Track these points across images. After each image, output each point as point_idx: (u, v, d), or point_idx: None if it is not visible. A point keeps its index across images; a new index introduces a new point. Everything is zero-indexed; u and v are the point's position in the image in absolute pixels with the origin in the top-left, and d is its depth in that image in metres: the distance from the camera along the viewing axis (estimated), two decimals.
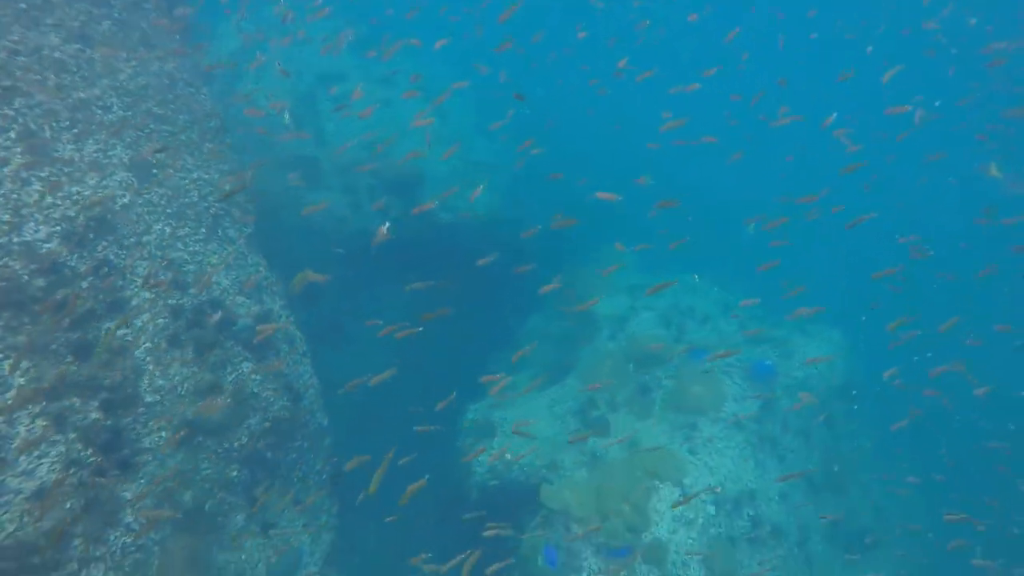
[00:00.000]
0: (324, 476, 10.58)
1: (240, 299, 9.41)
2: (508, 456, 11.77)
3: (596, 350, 14.09)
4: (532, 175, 16.62)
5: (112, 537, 7.00)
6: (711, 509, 10.57)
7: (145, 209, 8.63)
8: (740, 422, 12.28)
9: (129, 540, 7.12)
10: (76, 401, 6.97)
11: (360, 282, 15.61)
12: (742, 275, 16.82)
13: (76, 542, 6.74)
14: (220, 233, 9.61)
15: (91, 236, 7.80)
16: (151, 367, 7.72)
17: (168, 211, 8.86)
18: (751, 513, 11.22)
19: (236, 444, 8.58)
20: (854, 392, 15.11)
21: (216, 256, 9.36)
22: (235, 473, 8.61)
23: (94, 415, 7.06)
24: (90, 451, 6.82)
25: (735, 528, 10.90)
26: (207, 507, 8.30)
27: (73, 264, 7.49)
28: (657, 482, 10.29)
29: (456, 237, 15.65)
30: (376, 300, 15.90)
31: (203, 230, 9.33)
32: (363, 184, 14.74)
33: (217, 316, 8.69)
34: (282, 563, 9.14)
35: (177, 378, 7.96)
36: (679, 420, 12.25)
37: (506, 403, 13.39)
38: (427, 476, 11.62)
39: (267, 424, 9.14)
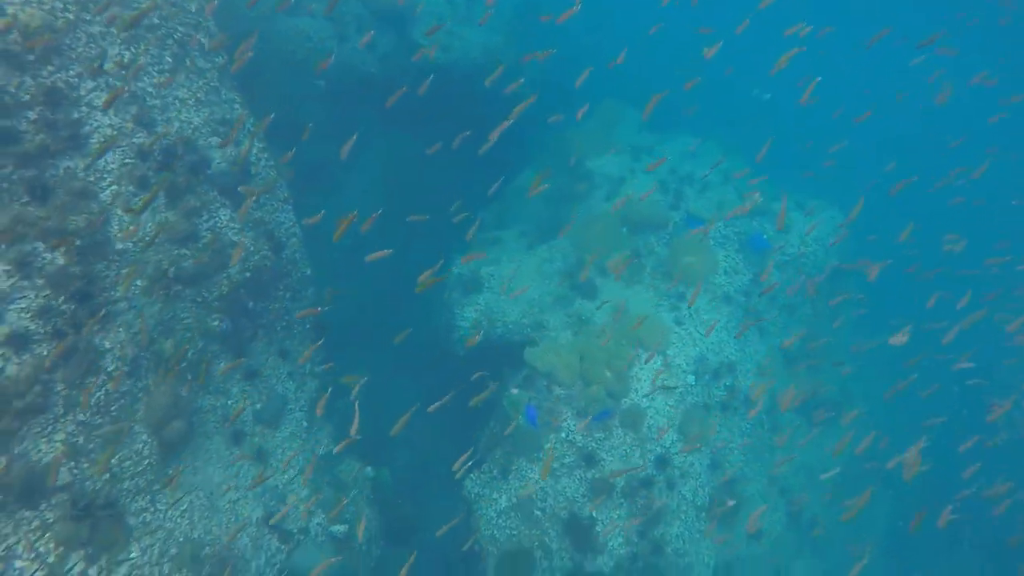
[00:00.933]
0: (308, 326, 10.49)
1: (214, 140, 8.68)
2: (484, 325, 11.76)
3: (590, 210, 13.66)
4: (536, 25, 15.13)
5: (95, 384, 6.90)
6: (690, 379, 10.77)
7: (97, 30, 7.61)
8: (729, 295, 12.24)
9: (112, 387, 7.04)
10: (39, 246, 6.52)
11: (345, 123, 14.64)
12: (750, 145, 16.06)
13: (58, 387, 6.63)
14: (188, 63, 8.64)
15: (31, 59, 6.90)
16: (120, 212, 7.19)
17: (123, 34, 7.83)
18: (728, 383, 11.50)
19: (216, 294, 8.31)
20: (842, 270, 15.07)
21: (184, 89, 8.49)
22: (217, 323, 8.42)
23: (61, 260, 6.65)
24: (62, 299, 6.50)
25: (711, 397, 11.21)
26: (189, 355, 8.20)
27: (14, 92, 6.68)
28: (641, 350, 10.36)
29: (449, 78, 14.50)
30: (362, 144, 15.02)
31: (168, 58, 8.36)
32: (350, 12, 13.30)
33: (189, 158, 8.03)
34: (267, 409, 9.27)
35: (149, 225, 7.48)
36: (668, 288, 12.17)
37: (495, 258, 13.15)
38: (410, 328, 11.66)
39: (247, 274, 8.82)
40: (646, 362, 10.36)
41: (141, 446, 7.29)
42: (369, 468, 11.03)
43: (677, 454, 10.31)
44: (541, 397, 9.77)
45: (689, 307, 11.71)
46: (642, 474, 9.93)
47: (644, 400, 10.00)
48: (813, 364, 13.94)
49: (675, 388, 10.39)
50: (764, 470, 12.35)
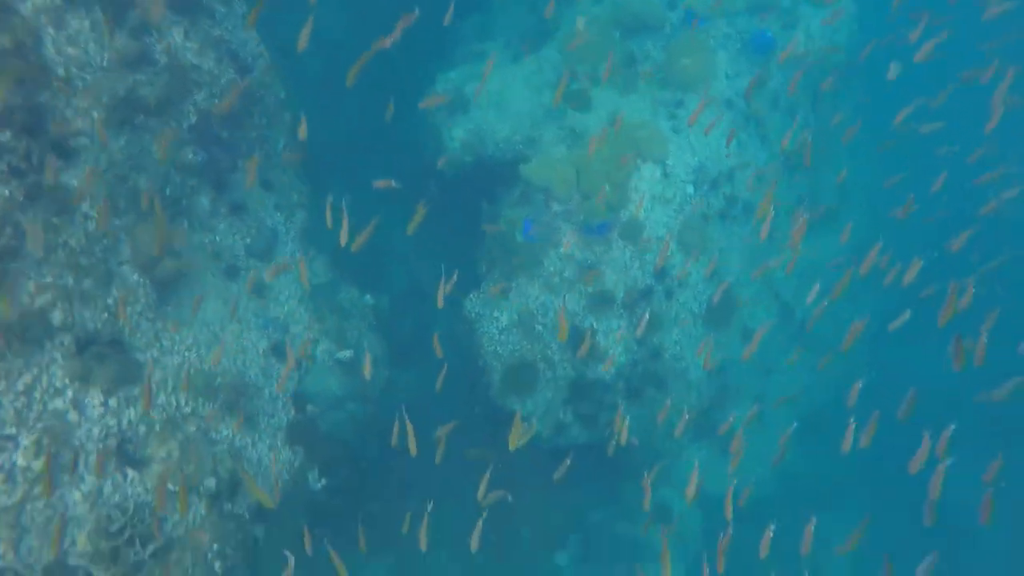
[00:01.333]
0: (290, 153, 9.97)
1: None
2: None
3: (579, 14, 12.48)
4: None
5: (70, 225, 6.59)
6: (689, 189, 10.50)
7: None
8: (730, 100, 11.58)
9: (92, 227, 6.75)
10: None
11: None
12: None
13: (33, 228, 6.32)
14: None
15: None
16: (51, 30, 6.41)
17: None
18: (727, 192, 11.25)
19: (185, 124, 7.72)
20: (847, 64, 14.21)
21: None
22: (191, 155, 7.93)
23: None
24: (8, 135, 5.97)
25: (710, 207, 11.01)
26: (167, 192, 7.81)
27: None
28: (639, 161, 9.97)
29: None
30: None
31: None
32: None
33: None
34: (258, 242, 9.06)
35: (91, 46, 6.72)
36: (665, 96, 11.47)
37: (479, 74, 12.25)
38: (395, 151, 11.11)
39: (215, 100, 8.15)
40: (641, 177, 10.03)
41: (135, 286, 7.16)
42: (368, 296, 11.10)
43: (676, 265, 10.34)
44: (539, 213, 9.55)
45: (689, 125, 11.06)
46: (641, 285, 10.02)
47: (642, 212, 9.81)
48: (811, 168, 13.64)
49: (674, 199, 10.15)
50: (761, 276, 12.52)
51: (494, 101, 11.84)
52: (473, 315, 10.37)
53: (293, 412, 8.47)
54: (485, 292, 10.35)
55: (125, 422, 6.52)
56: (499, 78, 12.17)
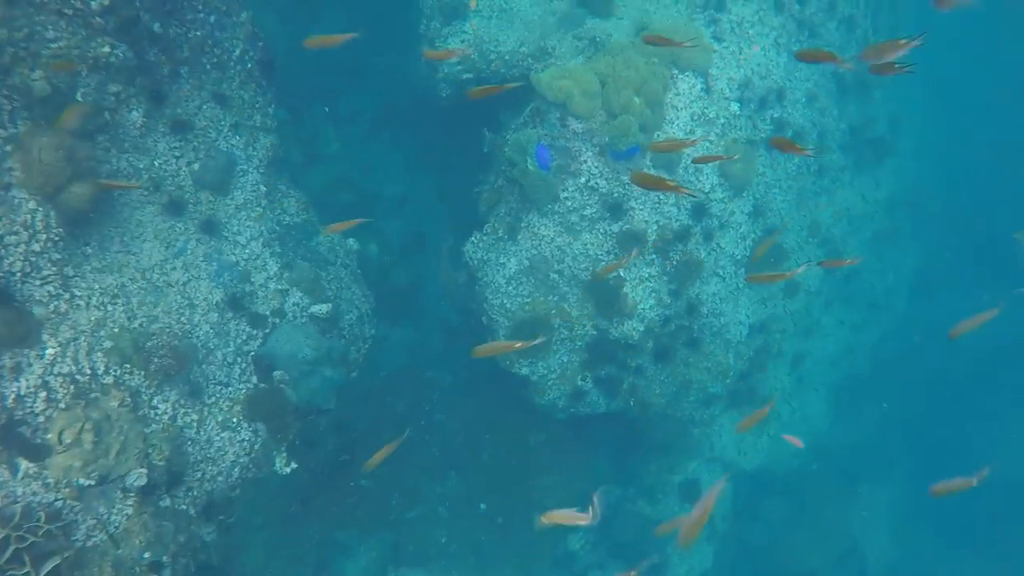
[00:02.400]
0: (251, 64, 8.11)
1: None
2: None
3: None
4: None
5: None
6: (735, 107, 8.68)
7: None
8: (780, 3, 9.64)
9: None
10: None
11: None
12: None
13: None
14: None
15: None
16: None
17: None
18: (775, 115, 9.43)
19: (94, 5, 5.87)
20: None
21: None
22: (107, 49, 6.10)
23: None
24: None
25: (756, 132, 9.21)
26: (79, 96, 6.02)
27: None
28: (676, 71, 8.13)
29: None
30: None
31: None
32: None
33: None
34: (210, 169, 7.30)
35: None
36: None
37: None
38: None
39: None
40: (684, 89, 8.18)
41: (29, 217, 5.44)
42: (352, 240, 9.39)
43: (717, 200, 8.59)
44: (554, 134, 7.76)
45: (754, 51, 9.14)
46: (676, 224, 8.29)
47: (682, 134, 8.01)
48: (863, 92, 11.79)
49: (717, 119, 8.35)
50: (807, 218, 10.81)
51: (497, 5, 9.90)
52: (475, 262, 8.67)
53: (255, 380, 6.86)
54: (489, 234, 8.63)
55: (12, 397, 4.90)
56: None
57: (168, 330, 6.19)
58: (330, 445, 9.57)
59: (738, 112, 8.71)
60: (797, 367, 11.97)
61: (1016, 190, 17.00)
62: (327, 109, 12.24)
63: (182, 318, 6.31)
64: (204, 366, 6.29)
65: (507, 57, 9.58)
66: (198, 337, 6.38)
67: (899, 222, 13.72)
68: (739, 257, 9.16)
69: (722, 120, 8.50)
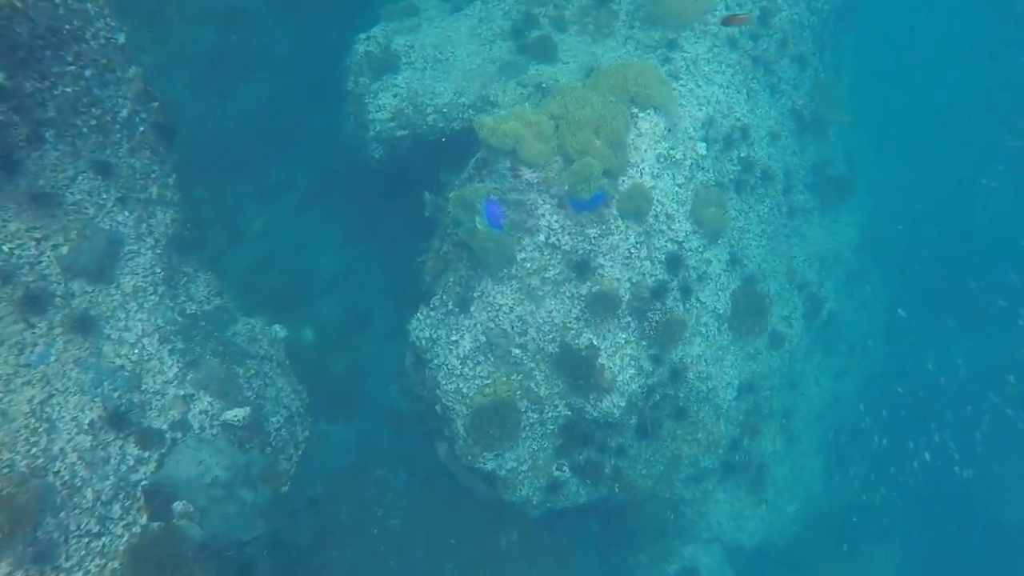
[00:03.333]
0: (143, 128, 6.86)
1: None
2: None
3: None
4: None
5: None
6: (701, 147, 7.84)
7: None
8: (734, 39, 9.04)
9: None
10: None
11: None
12: None
13: None
14: None
15: None
16: None
17: None
18: (742, 155, 8.65)
19: None
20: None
21: None
22: None
23: None
24: None
25: (724, 172, 8.39)
26: None
27: None
28: (636, 109, 7.25)
29: None
30: None
31: None
32: None
33: None
34: (84, 251, 5.92)
35: None
36: (653, 37, 8.86)
37: (412, 25, 9.45)
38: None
39: None
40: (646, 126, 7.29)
41: None
42: (278, 326, 8.00)
43: (692, 250, 7.61)
44: (504, 187, 6.69)
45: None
46: (651, 281, 7.23)
47: (649, 177, 7.06)
48: (819, 129, 11.28)
49: (683, 161, 7.47)
50: (783, 263, 9.98)
51: (432, 57, 9.03)
52: (422, 341, 7.39)
53: (144, 520, 5.30)
54: (438, 308, 7.39)
55: None
56: (437, 31, 9.38)
57: (15, 469, 4.65)
58: (266, 572, 7.91)
59: (705, 153, 7.86)
60: (786, 424, 10.90)
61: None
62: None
63: (33, 449, 4.78)
64: (64, 514, 4.73)
65: (445, 110, 8.63)
66: (57, 474, 4.84)
67: (866, 263, 13.12)
68: (721, 311, 8.14)
69: (689, 161, 7.61)
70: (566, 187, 6.57)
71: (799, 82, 10.47)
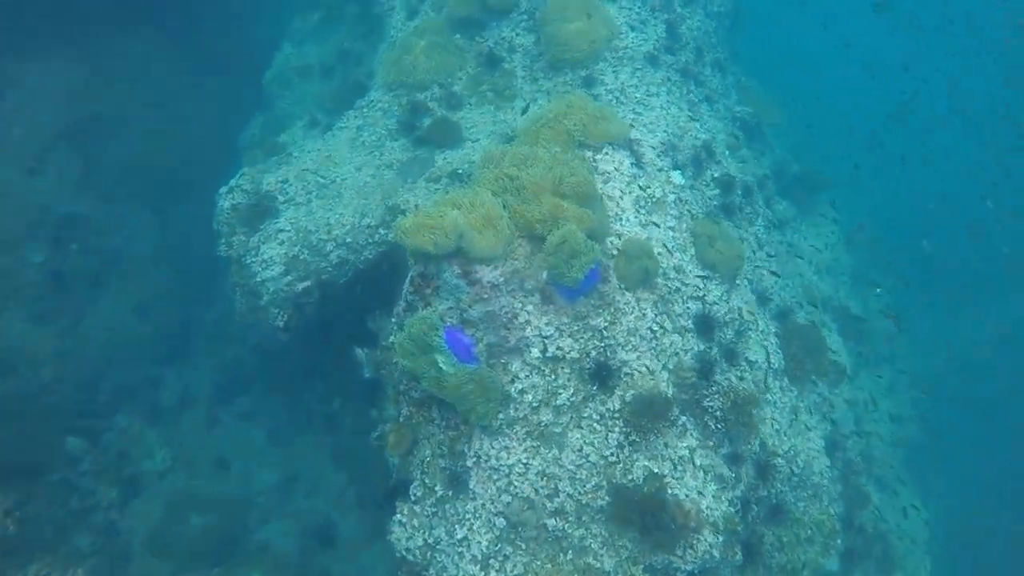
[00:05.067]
0: None
1: None
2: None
3: (397, 35, 8.44)
4: None
5: None
6: (677, 177, 6.19)
7: None
8: (652, 55, 7.71)
9: None
10: None
11: None
12: None
13: None
14: None
15: None
16: None
17: None
18: (715, 175, 7.09)
19: None
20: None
21: None
22: None
23: None
24: None
25: (706, 199, 6.76)
26: None
27: None
28: (589, 153, 5.55)
29: None
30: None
31: None
32: None
33: None
34: None
35: None
36: (564, 81, 7.43)
37: (280, 160, 7.69)
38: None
39: None
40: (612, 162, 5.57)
41: None
42: None
43: (718, 302, 5.76)
44: (461, 302, 4.69)
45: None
46: (691, 360, 5.28)
47: (638, 228, 5.26)
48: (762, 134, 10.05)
49: (666, 199, 5.77)
50: (797, 283, 8.31)
51: (315, 185, 7.22)
52: (416, 555, 5.05)
53: None
54: (422, 498, 5.12)
55: None
56: (312, 155, 7.64)
57: None
58: None
59: (682, 182, 6.21)
60: (875, 471, 8.86)
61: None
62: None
63: None
64: None
65: (349, 240, 6.72)
66: None
67: (861, 258, 11.74)
68: (775, 365, 6.23)
69: (671, 197, 5.91)
70: (545, 274, 4.65)
71: (726, 89, 9.28)
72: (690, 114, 7.36)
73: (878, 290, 11.15)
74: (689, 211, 6.16)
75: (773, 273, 7.18)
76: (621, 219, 5.29)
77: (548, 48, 7.55)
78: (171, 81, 10.65)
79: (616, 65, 7.41)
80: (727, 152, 7.77)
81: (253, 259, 6.77)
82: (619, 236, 5.17)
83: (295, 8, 10.57)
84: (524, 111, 6.93)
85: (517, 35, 7.99)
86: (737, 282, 6.29)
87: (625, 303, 4.98)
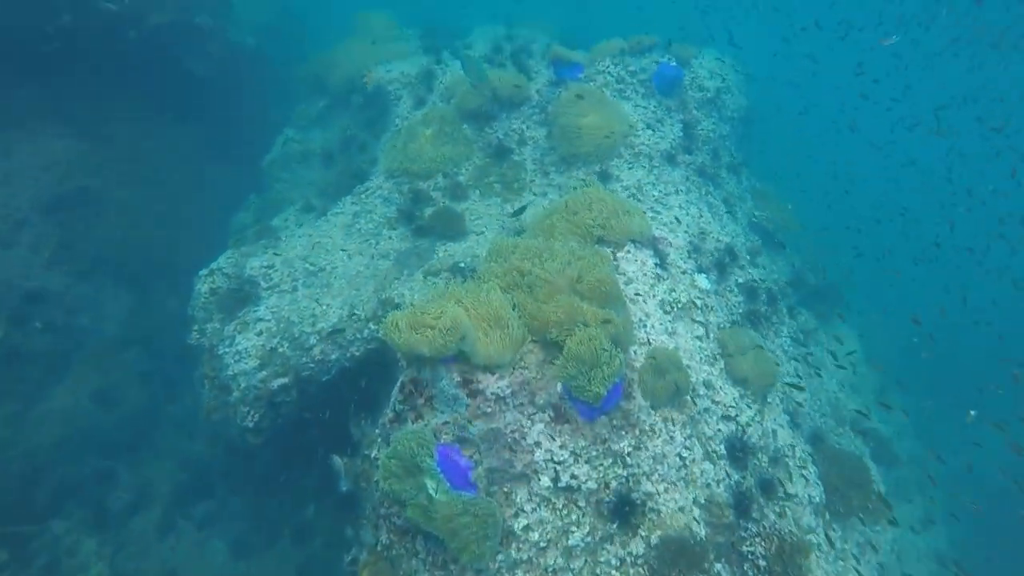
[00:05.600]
0: None
1: None
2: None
3: (403, 123, 8.12)
4: None
5: None
6: (702, 281, 5.61)
7: None
8: (669, 154, 7.36)
9: None
10: None
11: None
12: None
13: None
14: None
15: None
16: None
17: None
18: (740, 280, 6.54)
19: None
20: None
21: None
22: None
23: None
24: None
25: (732, 307, 6.16)
26: None
27: None
28: (610, 250, 4.99)
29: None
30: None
31: None
32: None
33: None
34: None
35: None
36: (578, 176, 7.01)
37: (269, 243, 7.13)
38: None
39: None
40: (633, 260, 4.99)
41: None
42: None
43: (751, 422, 5.03)
44: (460, 417, 3.94)
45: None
46: (723, 489, 4.48)
47: (665, 336, 4.61)
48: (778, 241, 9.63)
49: (693, 304, 5.16)
50: (825, 400, 7.57)
51: (303, 271, 6.61)
52: None
53: None
54: None
55: None
56: (303, 240, 7.09)
57: None
58: None
59: (707, 286, 5.62)
60: None
61: None
62: None
63: None
64: None
65: (337, 336, 6.04)
66: None
67: (884, 374, 11.08)
68: (816, 498, 5.40)
69: (699, 303, 5.31)
70: (559, 386, 3.95)
71: (742, 193, 8.94)
72: (711, 215, 6.90)
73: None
74: (715, 319, 5.54)
75: (797, 387, 6.48)
76: (646, 325, 4.65)
77: (560, 142, 7.20)
78: (167, 161, 10.31)
79: (632, 162, 7.03)
80: (749, 257, 7.28)
81: (227, 349, 6.04)
82: (644, 344, 4.50)
83: (300, 95, 10.41)
84: (518, 212, 6.40)
85: (528, 127, 7.68)
86: (769, 400, 5.58)
87: (652, 424, 4.24)
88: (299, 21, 13.74)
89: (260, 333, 6.09)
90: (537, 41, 9.73)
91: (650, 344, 4.52)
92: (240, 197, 10.27)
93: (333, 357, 6.04)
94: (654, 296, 4.87)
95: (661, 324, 4.76)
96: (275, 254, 6.82)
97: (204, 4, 9.65)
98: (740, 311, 6.30)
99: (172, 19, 8.89)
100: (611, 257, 4.89)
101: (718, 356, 5.23)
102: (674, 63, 8.06)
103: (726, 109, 9.22)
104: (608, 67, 7.88)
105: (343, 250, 6.75)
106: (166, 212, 9.60)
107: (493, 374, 3.94)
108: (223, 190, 10.51)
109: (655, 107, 7.79)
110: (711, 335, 5.34)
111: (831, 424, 7.29)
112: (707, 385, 4.84)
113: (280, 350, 6.02)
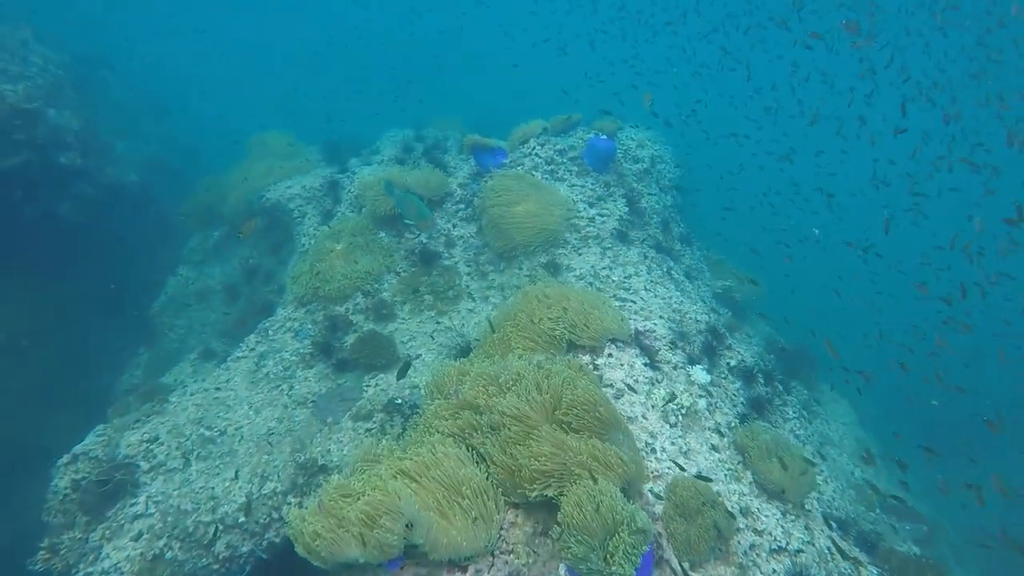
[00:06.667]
0: None
1: None
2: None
3: (309, 241, 6.98)
4: None
5: None
6: (699, 375, 4.53)
7: None
8: (621, 232, 6.46)
9: None
10: None
11: None
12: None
13: None
14: None
15: None
16: None
17: None
18: (732, 363, 5.52)
19: None
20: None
21: None
22: None
23: None
24: None
25: (733, 396, 5.08)
26: None
27: None
28: (589, 358, 3.86)
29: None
30: None
31: None
32: None
33: None
34: None
35: None
36: (522, 273, 5.98)
37: (151, 409, 5.64)
38: None
39: None
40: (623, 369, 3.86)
41: None
42: None
43: (802, 545, 3.82)
44: None
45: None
46: None
47: (680, 457, 3.43)
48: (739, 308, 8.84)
49: (697, 407, 4.06)
50: (844, 485, 6.45)
51: (196, 440, 5.15)
52: None
53: None
54: None
55: None
56: (196, 398, 5.65)
57: None
58: None
59: (706, 379, 4.54)
60: None
61: None
62: None
63: None
64: None
65: (242, 520, 4.56)
66: None
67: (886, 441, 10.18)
68: None
69: (702, 403, 4.21)
70: (563, 569, 2.67)
71: (699, 264, 8.14)
72: (680, 294, 5.95)
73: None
74: (723, 419, 4.42)
75: (825, 481, 5.37)
76: (655, 450, 3.46)
77: (494, 236, 6.21)
78: (38, 326, 8.73)
79: (580, 247, 6.08)
80: (728, 332, 6.32)
81: (89, 569, 4.42)
82: (658, 476, 3.30)
83: (191, 230, 9.18)
84: (402, 373, 5.09)
85: (455, 226, 6.68)
86: (807, 507, 4.41)
87: None
88: (189, 152, 12.72)
89: (139, 536, 4.53)
90: (450, 138, 8.99)
91: (663, 475, 3.32)
92: (130, 353, 8.73)
93: (244, 550, 4.52)
94: (653, 407, 3.73)
95: (672, 443, 3.59)
96: (160, 422, 5.34)
97: (70, 142, 8.46)
98: (742, 400, 5.23)
99: (25, 159, 7.64)
100: (590, 366, 3.76)
101: (741, 466, 4.08)
102: (604, 136, 7.37)
103: (663, 178, 8.58)
104: (535, 149, 7.08)
105: (248, 404, 5.36)
106: (32, 387, 7.92)
107: (465, 571, 2.63)
108: (109, 348, 8.94)
109: (592, 184, 6.97)
110: (726, 440, 4.20)
111: (861, 511, 6.16)
112: (744, 512, 3.64)
113: (169, 554, 4.46)
